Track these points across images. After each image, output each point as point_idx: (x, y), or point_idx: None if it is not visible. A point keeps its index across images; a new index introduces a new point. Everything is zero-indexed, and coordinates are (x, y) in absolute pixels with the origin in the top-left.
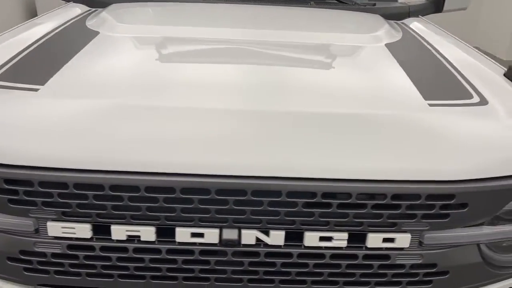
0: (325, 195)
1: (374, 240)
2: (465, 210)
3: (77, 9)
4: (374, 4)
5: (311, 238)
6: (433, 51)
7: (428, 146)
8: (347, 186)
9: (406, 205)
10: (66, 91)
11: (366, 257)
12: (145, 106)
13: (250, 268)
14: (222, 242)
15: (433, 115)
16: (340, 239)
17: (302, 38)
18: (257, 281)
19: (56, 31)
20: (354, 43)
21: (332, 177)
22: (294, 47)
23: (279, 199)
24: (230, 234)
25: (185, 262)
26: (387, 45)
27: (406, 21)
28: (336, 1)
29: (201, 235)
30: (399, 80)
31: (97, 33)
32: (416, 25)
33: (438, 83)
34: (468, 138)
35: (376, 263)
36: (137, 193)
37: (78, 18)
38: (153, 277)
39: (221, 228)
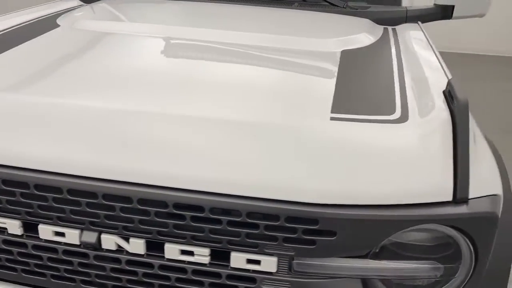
0: (177, 206)
1: (238, 260)
2: (333, 238)
3: (73, 3)
4: (367, 8)
5: (171, 250)
6: (394, 62)
7: (296, 161)
8: (199, 198)
9: (264, 225)
10: None
11: (230, 277)
12: (42, 102)
13: (113, 274)
14: (81, 244)
15: (323, 128)
16: (201, 254)
17: (258, 40)
18: None
19: (30, 21)
20: (306, 48)
21: (182, 187)
22: (240, 49)
23: (131, 205)
24: (88, 236)
25: (49, 259)
26: (343, 51)
27: (400, 27)
28: (327, 4)
29: (63, 234)
30: (320, 90)
31: (57, 26)
32: (405, 32)
33: (365, 96)
34: (348, 157)
35: (241, 284)
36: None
37: (61, 11)
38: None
39: (81, 230)
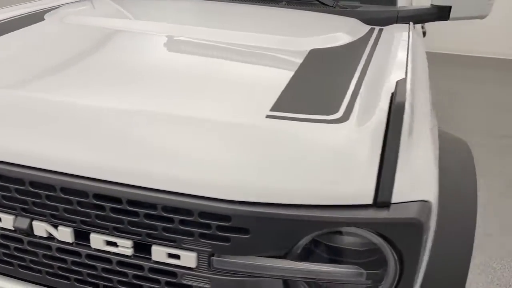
0: (97, 196)
1: (159, 253)
2: (247, 236)
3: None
4: (357, 8)
5: (96, 241)
6: (362, 62)
7: (212, 157)
8: (117, 190)
9: (179, 220)
10: None
11: (152, 270)
12: None
13: (45, 261)
14: (15, 229)
15: (250, 125)
16: (124, 246)
17: (229, 37)
18: (54, 275)
19: (27, 14)
20: (275, 46)
21: (102, 178)
22: (207, 45)
23: (54, 194)
24: (21, 222)
25: None
26: (312, 50)
27: (388, 27)
28: (318, 3)
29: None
30: (270, 88)
31: (42, 19)
32: (390, 32)
33: (313, 95)
34: (266, 155)
35: (162, 278)
36: None
37: (52, 7)
38: None
39: (16, 216)
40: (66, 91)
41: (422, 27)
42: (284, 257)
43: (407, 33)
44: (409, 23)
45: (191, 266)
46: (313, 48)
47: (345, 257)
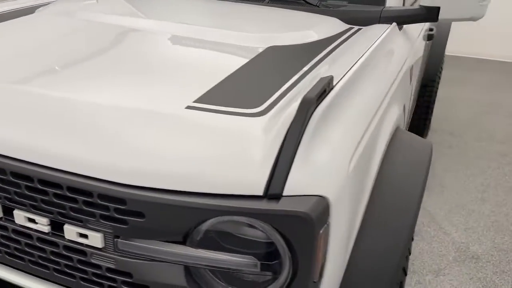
0: (14, 174)
1: (70, 232)
2: (142, 220)
3: None
4: (340, 7)
5: (19, 217)
6: (314, 61)
7: (116, 142)
8: (29, 169)
9: (82, 200)
10: None
11: (66, 248)
12: None
13: None
14: None
15: (168, 115)
16: (42, 223)
17: (189, 31)
18: None
19: (23, 7)
20: (233, 42)
21: (17, 157)
22: (162, 38)
23: None
24: None
25: None
26: (269, 47)
27: (368, 27)
28: (301, 1)
29: None
30: (206, 80)
31: (32, 12)
32: (366, 32)
33: (245, 90)
34: (172, 143)
35: (75, 256)
36: None
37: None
38: None
39: None
40: None
41: (431, 30)
42: (183, 243)
43: (382, 33)
44: (391, 24)
45: (98, 246)
46: (272, 45)
47: (244, 247)
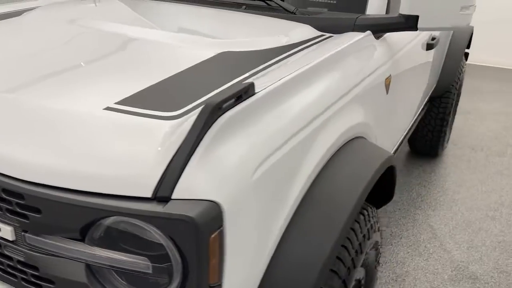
0: None
1: None
2: (39, 216)
3: None
4: (316, 14)
5: None
6: (261, 67)
7: (28, 138)
8: None
9: None
10: None
11: None
12: None
13: None
14: None
15: (82, 114)
16: None
17: (147, 35)
18: None
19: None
20: (189, 47)
21: None
22: (114, 40)
23: None
24: None
25: None
26: (221, 53)
27: (340, 35)
28: (279, 8)
29: None
30: (138, 82)
31: (31, 11)
32: (336, 40)
33: (168, 94)
34: (70, 142)
35: None
36: None
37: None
38: None
39: None
40: None
41: (433, 39)
42: (82, 240)
43: (350, 40)
44: (365, 32)
45: (10, 239)
46: (226, 50)
47: (140, 248)
